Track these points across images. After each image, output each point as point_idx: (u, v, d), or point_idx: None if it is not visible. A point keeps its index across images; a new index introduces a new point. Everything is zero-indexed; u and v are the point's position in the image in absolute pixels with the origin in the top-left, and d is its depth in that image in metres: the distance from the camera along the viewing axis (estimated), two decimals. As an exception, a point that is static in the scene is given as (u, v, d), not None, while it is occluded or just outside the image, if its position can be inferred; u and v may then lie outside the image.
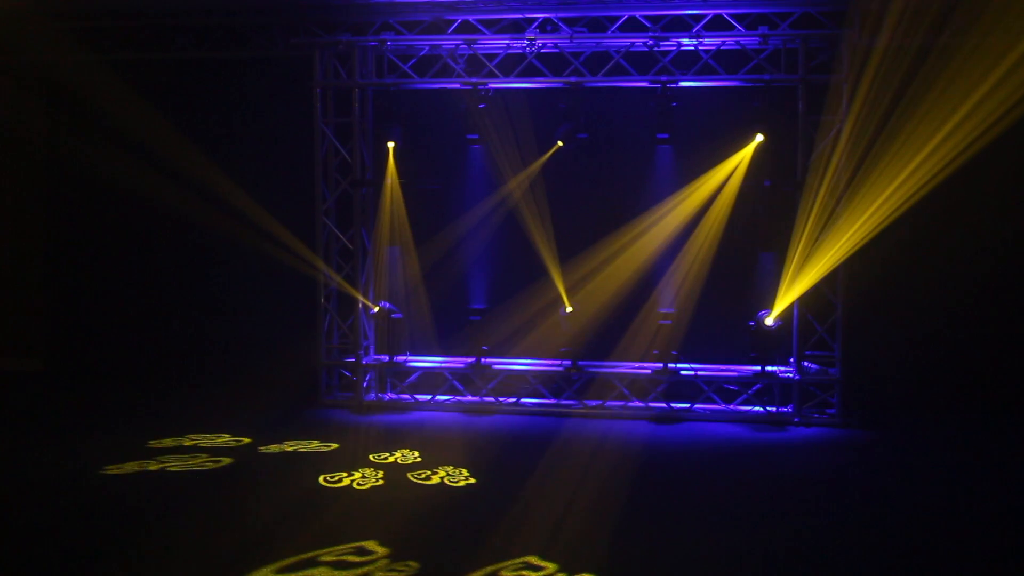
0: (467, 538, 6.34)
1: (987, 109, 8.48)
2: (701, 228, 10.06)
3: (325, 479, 7.73)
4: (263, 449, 8.80)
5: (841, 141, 9.37)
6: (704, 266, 10.02)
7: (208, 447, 8.82)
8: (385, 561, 5.75)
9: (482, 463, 8.26)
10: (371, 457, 8.45)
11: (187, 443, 8.94)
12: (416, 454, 8.56)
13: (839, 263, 9.44)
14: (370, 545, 6.00)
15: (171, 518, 6.84)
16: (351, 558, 5.81)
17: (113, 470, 7.97)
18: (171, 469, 8.06)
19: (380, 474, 7.90)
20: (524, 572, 5.63)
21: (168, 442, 8.94)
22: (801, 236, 9.52)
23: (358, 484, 7.61)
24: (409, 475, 7.89)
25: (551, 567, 5.68)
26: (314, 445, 8.94)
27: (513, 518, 6.77)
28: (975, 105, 8.49)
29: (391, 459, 8.40)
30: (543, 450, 8.77)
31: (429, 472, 7.96)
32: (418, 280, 10.80)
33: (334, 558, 5.80)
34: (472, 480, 7.75)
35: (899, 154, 8.94)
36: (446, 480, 7.74)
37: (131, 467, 8.07)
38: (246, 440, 9.08)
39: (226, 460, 8.38)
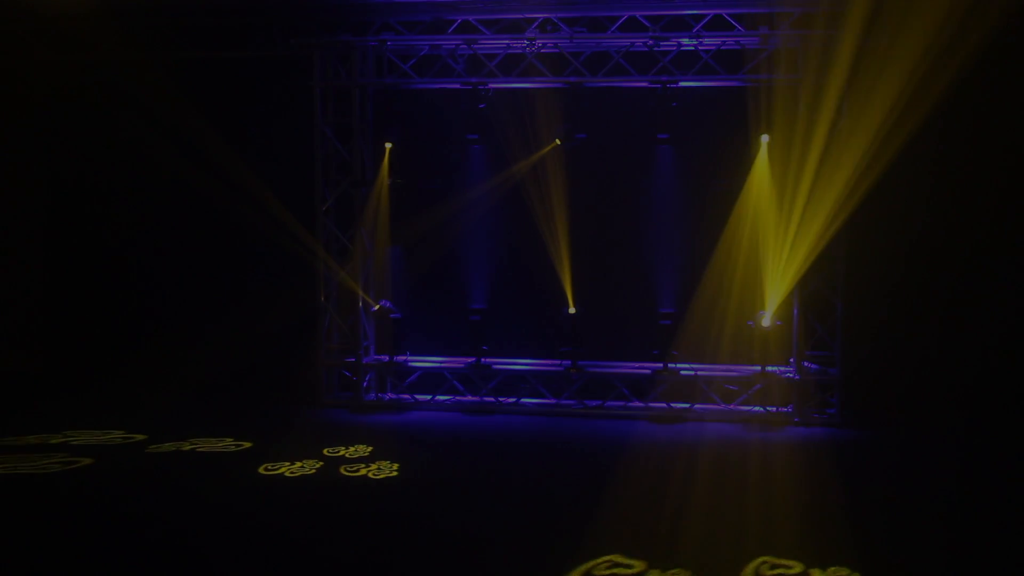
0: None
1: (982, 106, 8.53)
2: (709, 231, 10.06)
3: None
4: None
5: (836, 136, 9.39)
6: (705, 266, 10.03)
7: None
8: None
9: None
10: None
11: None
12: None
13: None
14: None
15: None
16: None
17: None
18: None
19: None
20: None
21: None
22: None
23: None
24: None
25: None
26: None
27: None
28: (969, 103, 8.54)
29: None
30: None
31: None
32: (418, 280, 10.82)
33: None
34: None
35: (879, 149, 9.02)
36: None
37: None
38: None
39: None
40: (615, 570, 5.69)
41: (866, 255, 9.60)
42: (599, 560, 5.79)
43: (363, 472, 7.87)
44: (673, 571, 5.68)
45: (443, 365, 10.80)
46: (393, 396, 10.91)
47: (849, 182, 9.18)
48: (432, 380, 10.85)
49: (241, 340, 11.36)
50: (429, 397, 10.74)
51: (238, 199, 10.89)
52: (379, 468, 7.98)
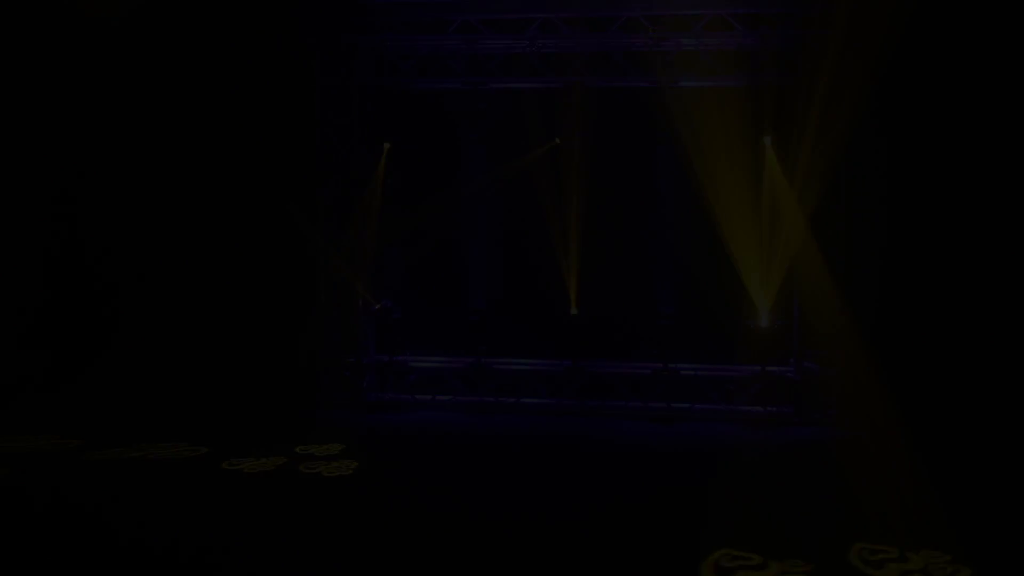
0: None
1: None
2: (709, 231, 10.07)
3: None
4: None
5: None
6: (706, 266, 10.04)
7: None
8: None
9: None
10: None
11: None
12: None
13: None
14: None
15: None
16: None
17: None
18: None
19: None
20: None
21: None
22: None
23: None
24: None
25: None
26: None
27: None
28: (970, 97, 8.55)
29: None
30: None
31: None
32: (418, 279, 10.83)
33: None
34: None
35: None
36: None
37: None
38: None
39: None
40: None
41: (866, 254, 9.59)
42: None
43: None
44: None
45: (443, 365, 10.81)
46: (393, 396, 10.92)
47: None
48: (432, 380, 10.86)
49: (239, 340, 11.36)
50: (429, 397, 10.75)
51: (237, 199, 10.88)
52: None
